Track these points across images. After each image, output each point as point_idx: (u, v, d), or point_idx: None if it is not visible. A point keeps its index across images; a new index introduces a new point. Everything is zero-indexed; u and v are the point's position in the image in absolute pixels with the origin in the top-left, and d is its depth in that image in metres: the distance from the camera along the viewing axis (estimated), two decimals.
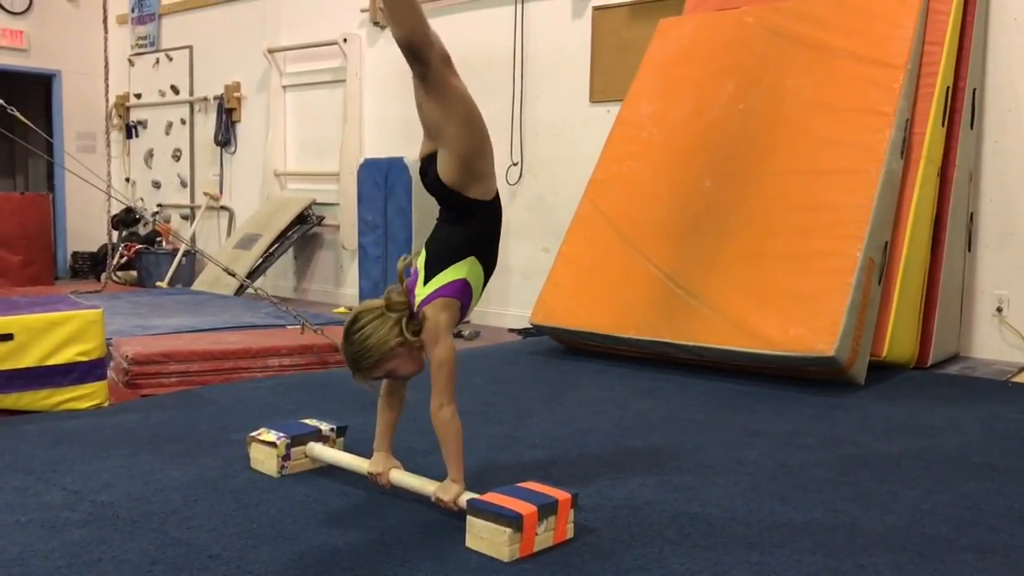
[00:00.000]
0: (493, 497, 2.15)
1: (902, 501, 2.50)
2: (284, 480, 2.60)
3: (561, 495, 2.17)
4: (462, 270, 2.33)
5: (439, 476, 2.34)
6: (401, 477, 2.42)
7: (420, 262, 2.37)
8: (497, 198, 2.41)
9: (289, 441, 2.65)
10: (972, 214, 4.70)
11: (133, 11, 9.27)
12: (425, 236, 2.48)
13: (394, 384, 2.45)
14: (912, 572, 2.03)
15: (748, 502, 2.48)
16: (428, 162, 2.37)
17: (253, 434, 2.72)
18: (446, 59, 2.29)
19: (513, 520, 2.05)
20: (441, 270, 2.32)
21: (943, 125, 4.39)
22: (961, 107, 4.47)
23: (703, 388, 3.94)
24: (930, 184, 4.35)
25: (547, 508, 2.12)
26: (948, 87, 4.40)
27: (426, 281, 2.32)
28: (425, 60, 2.24)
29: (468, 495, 2.24)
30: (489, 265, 2.40)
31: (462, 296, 2.33)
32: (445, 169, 2.31)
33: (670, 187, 4.65)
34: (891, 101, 4.21)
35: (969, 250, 4.71)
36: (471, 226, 2.36)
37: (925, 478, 2.71)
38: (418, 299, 2.31)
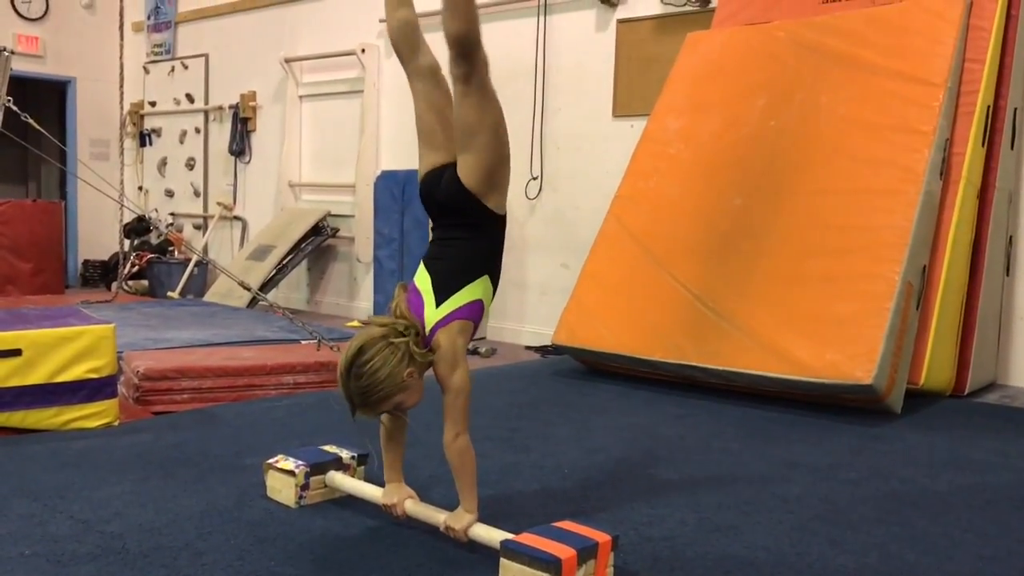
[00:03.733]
0: (528, 538, 2.00)
1: (961, 546, 2.34)
2: (302, 511, 2.47)
3: (601, 537, 2.02)
4: (478, 290, 2.21)
5: (455, 506, 2.23)
6: (416, 508, 2.31)
7: (424, 283, 2.22)
8: (506, 214, 2.33)
9: (308, 470, 2.51)
10: (1011, 237, 4.55)
11: (149, 19, 9.18)
12: None
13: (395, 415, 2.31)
14: None
15: (795, 544, 2.33)
16: (439, 173, 2.28)
17: (270, 461, 2.58)
18: (487, 63, 2.20)
19: (551, 564, 1.90)
20: (455, 290, 2.18)
21: (983, 145, 4.25)
22: (1002, 127, 4.32)
23: (734, 415, 3.79)
24: (969, 206, 4.20)
25: (587, 551, 1.97)
26: (988, 106, 4.25)
27: (438, 303, 2.18)
28: (474, 60, 2.15)
29: (481, 527, 2.14)
30: (497, 283, 2.30)
31: (477, 317, 2.22)
32: (470, 174, 2.20)
33: (699, 204, 4.51)
34: (930, 120, 4.06)
35: (1008, 274, 4.55)
36: (484, 241, 2.26)
37: (979, 519, 2.56)
38: (429, 323, 2.16)
